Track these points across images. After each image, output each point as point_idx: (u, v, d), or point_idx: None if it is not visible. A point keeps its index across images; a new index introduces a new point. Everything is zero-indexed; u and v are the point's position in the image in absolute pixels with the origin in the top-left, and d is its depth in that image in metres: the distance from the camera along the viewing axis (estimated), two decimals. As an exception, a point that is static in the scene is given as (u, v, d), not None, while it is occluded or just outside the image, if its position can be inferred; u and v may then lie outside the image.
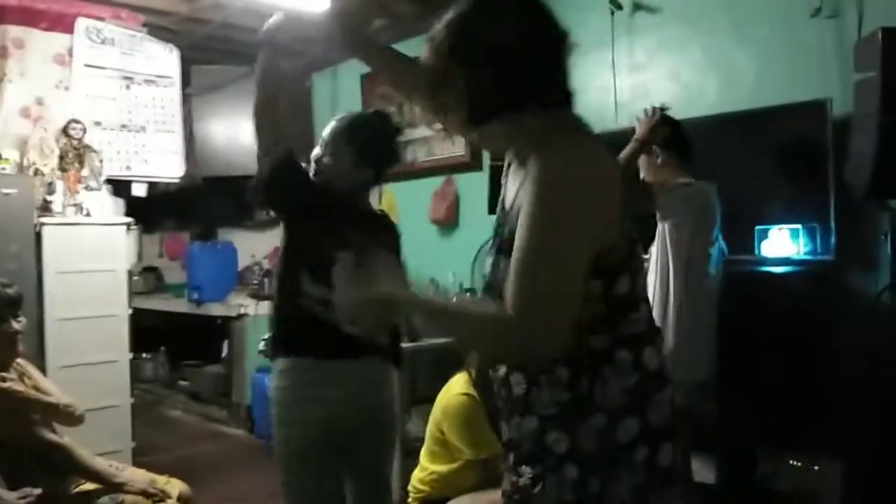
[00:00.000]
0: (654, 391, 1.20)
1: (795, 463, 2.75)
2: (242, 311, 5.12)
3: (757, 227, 2.87)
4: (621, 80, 3.58)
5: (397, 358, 2.23)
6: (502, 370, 1.26)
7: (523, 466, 1.22)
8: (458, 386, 2.60)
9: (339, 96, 5.33)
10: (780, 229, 2.83)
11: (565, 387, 1.17)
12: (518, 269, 1.08)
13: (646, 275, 1.35)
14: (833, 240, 2.73)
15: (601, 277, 1.15)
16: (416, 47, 4.86)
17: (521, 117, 1.20)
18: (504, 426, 1.28)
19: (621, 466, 1.16)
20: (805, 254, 2.79)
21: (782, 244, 2.82)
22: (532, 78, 1.18)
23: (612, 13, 3.54)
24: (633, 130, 2.66)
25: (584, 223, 1.10)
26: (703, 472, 2.77)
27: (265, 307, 5.11)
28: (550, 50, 1.20)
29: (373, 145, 2.16)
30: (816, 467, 2.70)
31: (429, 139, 4.65)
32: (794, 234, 2.80)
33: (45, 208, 3.68)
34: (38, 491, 2.29)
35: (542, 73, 1.20)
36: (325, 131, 2.20)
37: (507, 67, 1.17)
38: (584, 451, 1.16)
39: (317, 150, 2.20)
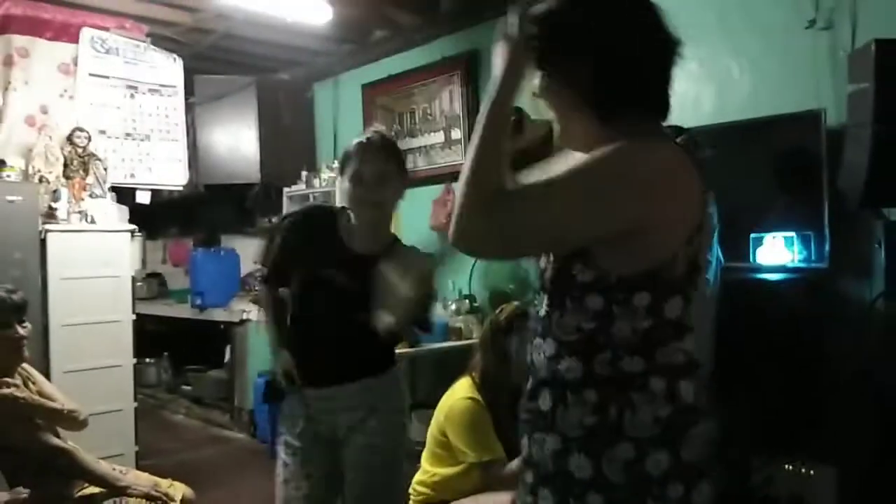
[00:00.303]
0: (689, 426, 1.13)
1: (790, 468, 2.77)
2: (245, 316, 5.16)
3: (752, 235, 2.90)
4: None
5: None
6: (532, 381, 1.22)
7: (543, 489, 1.18)
8: (462, 390, 2.62)
9: (340, 105, 5.38)
10: (774, 237, 2.86)
11: (592, 410, 1.13)
12: (533, 181, 1.11)
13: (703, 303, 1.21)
14: (827, 247, 2.76)
15: (651, 290, 1.11)
16: (416, 57, 4.86)
17: (626, 115, 1.15)
18: (525, 441, 1.25)
19: (653, 500, 1.11)
20: (799, 261, 2.82)
21: (777, 252, 2.86)
22: (646, 76, 1.16)
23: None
24: None
25: (622, 202, 1.08)
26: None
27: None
28: (664, 51, 1.18)
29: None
30: (812, 472, 2.73)
31: (428, 148, 4.69)
32: (789, 241, 2.84)
33: (50, 215, 3.71)
34: (25, 493, 2.33)
35: (653, 73, 1.17)
36: (375, 168, 2.08)
37: (623, 60, 1.13)
38: (608, 481, 1.11)
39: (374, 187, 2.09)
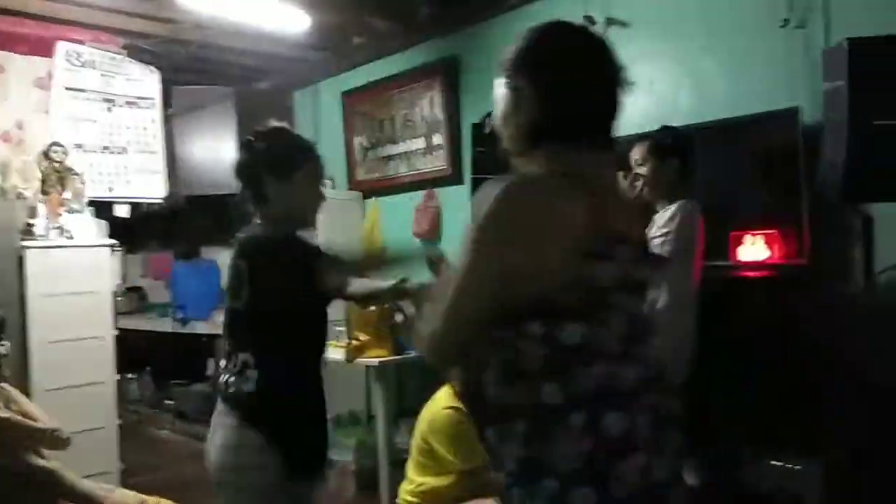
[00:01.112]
0: (617, 460, 1.10)
1: (777, 463, 2.79)
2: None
3: (731, 233, 2.93)
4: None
5: None
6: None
7: None
8: (443, 399, 2.63)
9: (320, 113, 5.37)
10: (753, 234, 2.89)
11: (521, 443, 1.14)
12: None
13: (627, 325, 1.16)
14: (806, 244, 2.79)
15: (541, 319, 1.12)
16: (395, 64, 4.84)
17: (553, 150, 1.19)
18: None
19: None
20: (779, 258, 2.85)
21: (757, 249, 2.88)
22: (570, 111, 1.19)
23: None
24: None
25: (495, 260, 1.12)
26: (685, 474, 2.81)
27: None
28: (597, 86, 1.21)
29: None
30: (798, 467, 2.75)
31: (410, 154, 4.70)
32: (768, 238, 2.86)
33: (28, 232, 3.67)
34: None
35: (583, 108, 1.20)
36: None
37: (550, 94, 1.19)
38: None
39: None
